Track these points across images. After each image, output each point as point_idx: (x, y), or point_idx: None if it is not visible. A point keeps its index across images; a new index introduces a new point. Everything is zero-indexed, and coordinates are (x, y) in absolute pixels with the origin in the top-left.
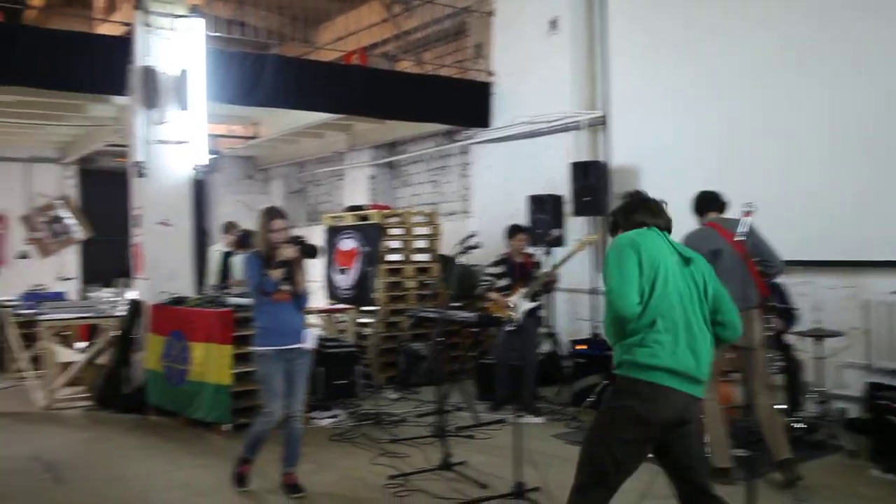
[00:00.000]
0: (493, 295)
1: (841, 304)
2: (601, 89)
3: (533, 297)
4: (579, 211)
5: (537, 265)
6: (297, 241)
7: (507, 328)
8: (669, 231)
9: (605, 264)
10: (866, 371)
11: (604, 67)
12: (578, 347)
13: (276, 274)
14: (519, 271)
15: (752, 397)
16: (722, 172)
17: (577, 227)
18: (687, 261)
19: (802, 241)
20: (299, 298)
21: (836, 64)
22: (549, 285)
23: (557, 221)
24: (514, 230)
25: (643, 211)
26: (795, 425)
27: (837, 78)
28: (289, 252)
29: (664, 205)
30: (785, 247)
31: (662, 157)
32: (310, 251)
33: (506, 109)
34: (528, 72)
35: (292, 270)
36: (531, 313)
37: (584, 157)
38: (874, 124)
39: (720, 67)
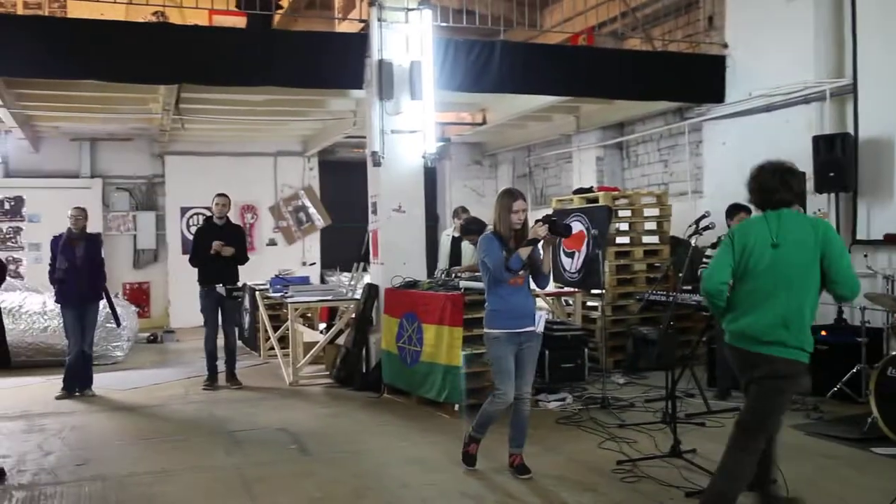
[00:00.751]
0: None
1: None
2: (849, 54)
3: None
4: (822, 188)
5: None
6: (549, 219)
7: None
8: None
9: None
10: None
11: (853, 31)
12: (822, 334)
13: (524, 252)
14: None
15: None
16: None
17: (820, 204)
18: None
19: None
20: (540, 279)
21: None
22: None
23: (800, 199)
24: (734, 209)
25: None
26: None
27: None
28: (541, 231)
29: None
30: None
31: None
32: (562, 230)
33: (741, 83)
34: (766, 42)
35: (539, 251)
36: None
37: (829, 130)
38: None
39: None
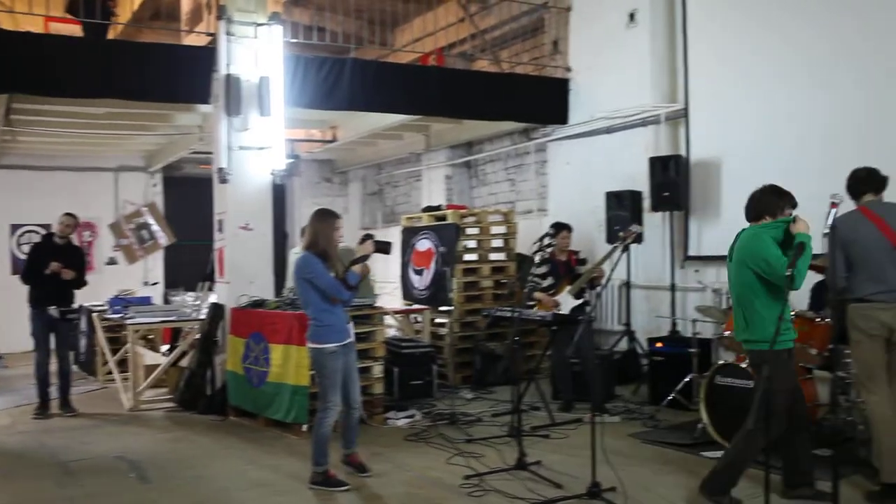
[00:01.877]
0: (539, 295)
1: None
2: (681, 81)
3: (578, 294)
4: (658, 206)
5: (582, 262)
6: (370, 237)
7: (555, 328)
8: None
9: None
10: None
11: (684, 59)
12: (657, 345)
13: (359, 269)
14: (563, 270)
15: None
16: (803, 165)
17: (655, 223)
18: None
19: None
20: (351, 296)
21: None
22: (595, 281)
23: (636, 217)
24: (556, 228)
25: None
26: None
27: None
28: (368, 248)
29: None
30: None
31: (744, 150)
32: (383, 247)
33: (583, 105)
34: (607, 66)
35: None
36: (580, 311)
37: (664, 152)
38: None
39: (798, 57)
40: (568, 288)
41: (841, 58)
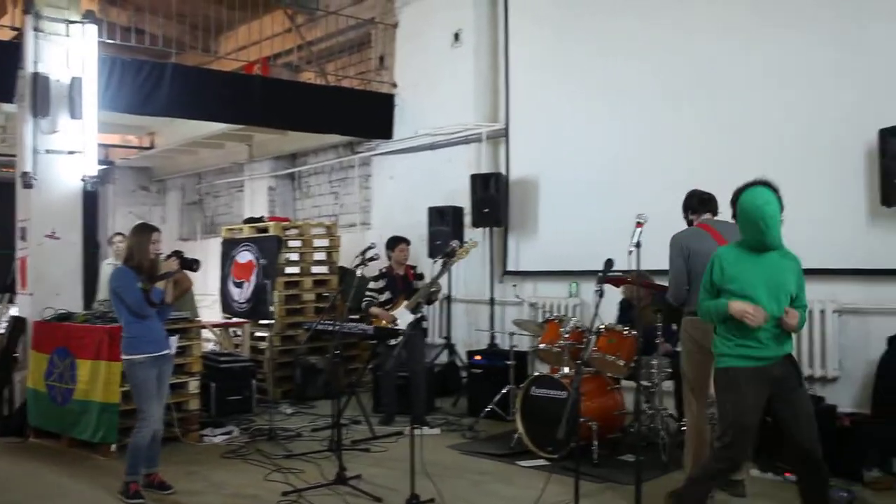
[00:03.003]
0: (376, 310)
1: None
2: (502, 101)
3: (415, 309)
4: (478, 222)
5: (420, 276)
6: (178, 254)
7: (392, 342)
8: None
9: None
10: None
11: (505, 80)
12: (475, 358)
13: (162, 285)
14: (401, 284)
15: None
16: (620, 184)
17: (476, 239)
18: None
19: None
20: (165, 310)
21: (732, 72)
22: (432, 296)
23: (457, 233)
24: (394, 241)
25: None
26: (683, 429)
27: (733, 87)
28: (173, 264)
29: None
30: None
31: (560, 170)
32: (189, 264)
33: (408, 121)
34: (431, 84)
35: (173, 282)
36: (416, 325)
37: (485, 169)
38: (773, 131)
39: (617, 82)
40: (405, 303)
41: (650, 80)
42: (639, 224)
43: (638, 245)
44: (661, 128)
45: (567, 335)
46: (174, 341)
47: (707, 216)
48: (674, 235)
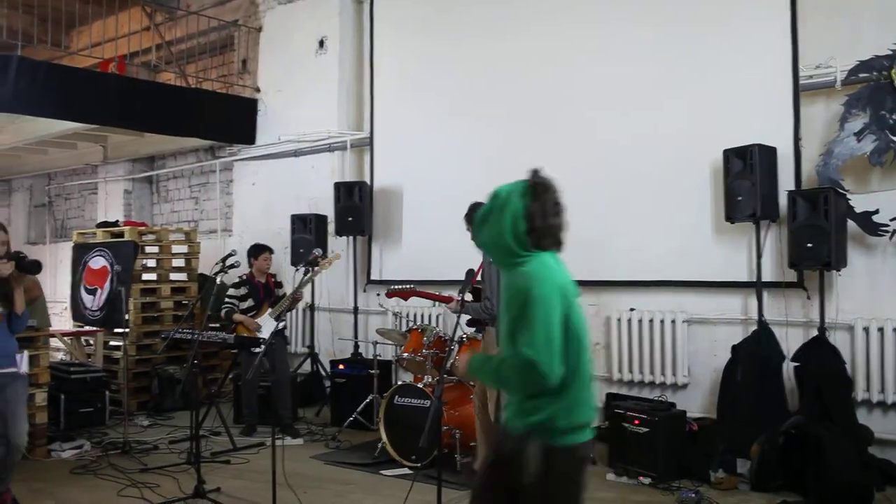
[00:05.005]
0: (239, 317)
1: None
2: (367, 110)
3: (278, 317)
4: (342, 231)
5: (279, 284)
6: (16, 256)
7: (255, 350)
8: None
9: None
10: (607, 382)
11: (370, 89)
12: (339, 367)
13: None
14: (262, 292)
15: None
16: (480, 194)
17: (339, 247)
18: None
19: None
20: (14, 319)
21: (585, 88)
22: (293, 304)
23: (321, 241)
24: (257, 250)
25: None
26: None
27: (584, 102)
28: (4, 269)
29: None
30: None
31: (424, 179)
32: (30, 267)
33: (271, 127)
34: (296, 90)
35: (8, 288)
36: (278, 333)
37: (349, 178)
38: (618, 150)
39: (477, 96)
40: (269, 311)
41: (507, 98)
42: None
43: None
44: (517, 143)
45: (430, 344)
46: (24, 359)
47: None
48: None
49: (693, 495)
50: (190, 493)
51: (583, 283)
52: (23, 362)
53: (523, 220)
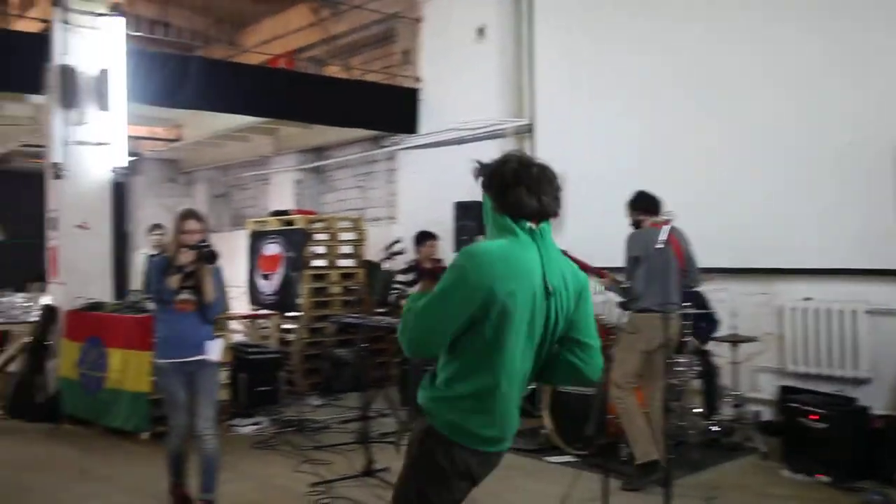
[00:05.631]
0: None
1: (756, 310)
2: (527, 97)
3: None
4: None
5: (445, 270)
6: (198, 246)
7: None
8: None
9: None
10: (779, 375)
11: (530, 75)
12: None
13: (173, 281)
14: (429, 277)
15: (648, 397)
16: (645, 179)
17: None
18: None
19: (720, 248)
20: (205, 308)
21: (754, 73)
22: None
23: (482, 228)
24: (423, 237)
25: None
26: (712, 428)
27: (754, 87)
28: (184, 257)
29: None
30: (703, 254)
31: (587, 165)
32: (208, 257)
33: (433, 116)
34: (456, 79)
35: (197, 278)
36: None
37: None
38: (791, 133)
39: (644, 76)
40: None
41: (674, 79)
42: (666, 222)
43: (665, 243)
44: (686, 125)
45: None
46: (215, 346)
47: (657, 217)
48: (629, 234)
49: (878, 497)
50: (360, 471)
51: (753, 271)
52: (215, 350)
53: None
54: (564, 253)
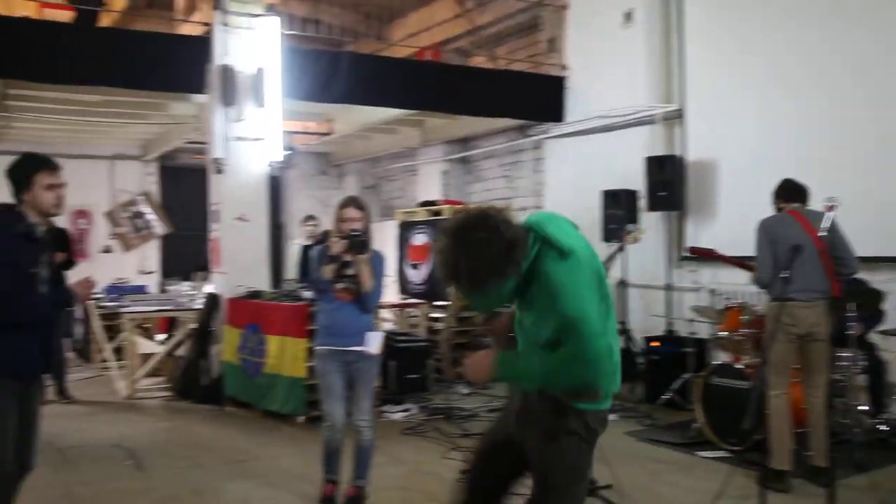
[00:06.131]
0: None
1: None
2: (677, 82)
3: None
4: (654, 206)
5: None
6: (349, 235)
7: None
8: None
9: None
10: None
11: (679, 60)
12: (653, 345)
13: (327, 271)
14: None
15: (807, 393)
16: (800, 165)
17: (651, 222)
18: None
19: (885, 237)
20: (361, 298)
21: None
22: None
23: (632, 216)
24: None
25: None
26: (879, 427)
27: None
28: (336, 246)
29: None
30: (867, 244)
31: (739, 151)
32: (358, 246)
33: (579, 104)
34: (603, 65)
35: (350, 267)
36: None
37: (660, 152)
38: None
39: (797, 59)
40: None
41: (838, 58)
42: (829, 208)
43: (830, 230)
44: (849, 106)
45: (749, 323)
46: (375, 338)
47: (797, 205)
48: (761, 221)
49: None
50: None
51: None
52: (375, 343)
53: None
54: (710, 252)
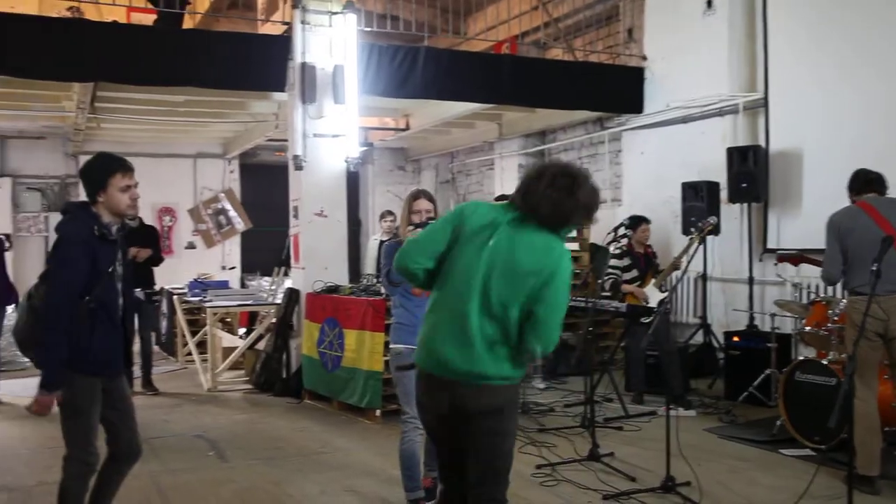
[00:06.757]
0: (629, 287)
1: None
2: (760, 70)
3: (661, 287)
4: (736, 198)
5: (655, 255)
6: (420, 224)
7: (644, 320)
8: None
9: None
10: None
11: (764, 48)
12: (734, 339)
13: None
14: (643, 262)
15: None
16: (888, 155)
17: (733, 214)
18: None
19: None
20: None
21: None
22: (670, 272)
23: (713, 209)
24: (638, 221)
25: None
26: None
27: None
28: (411, 236)
29: None
30: None
31: (825, 141)
32: None
33: (658, 94)
34: (683, 55)
35: None
36: (662, 303)
37: (742, 142)
38: None
39: (884, 47)
40: (653, 280)
41: None
42: None
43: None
44: None
45: (836, 318)
46: None
47: (870, 195)
48: (830, 216)
49: None
50: (585, 455)
51: None
52: None
53: None
54: (799, 258)
